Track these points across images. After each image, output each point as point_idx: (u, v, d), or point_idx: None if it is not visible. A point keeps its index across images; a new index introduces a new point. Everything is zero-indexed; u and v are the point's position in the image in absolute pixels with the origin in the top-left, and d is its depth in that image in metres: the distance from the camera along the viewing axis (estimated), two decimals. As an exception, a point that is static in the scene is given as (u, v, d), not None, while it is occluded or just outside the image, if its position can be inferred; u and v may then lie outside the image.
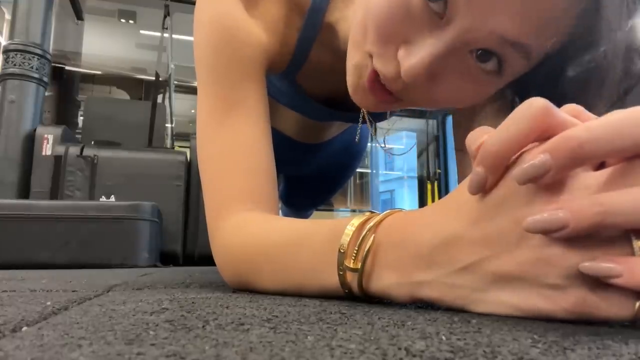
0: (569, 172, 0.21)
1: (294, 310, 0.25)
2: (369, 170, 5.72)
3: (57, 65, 3.53)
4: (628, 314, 0.19)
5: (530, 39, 0.33)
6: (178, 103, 4.13)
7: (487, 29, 0.32)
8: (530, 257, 0.21)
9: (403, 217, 0.28)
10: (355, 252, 0.28)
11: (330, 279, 0.30)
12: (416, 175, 5.33)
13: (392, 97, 0.40)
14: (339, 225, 0.31)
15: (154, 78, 3.29)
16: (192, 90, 4.08)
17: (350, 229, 0.29)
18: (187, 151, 2.30)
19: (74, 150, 2.07)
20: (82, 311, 0.25)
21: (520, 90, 0.42)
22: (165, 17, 3.71)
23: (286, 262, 0.35)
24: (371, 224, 0.29)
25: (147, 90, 4.23)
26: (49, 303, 0.29)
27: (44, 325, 0.20)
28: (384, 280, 0.27)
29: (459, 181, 0.60)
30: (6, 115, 2.10)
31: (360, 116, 0.57)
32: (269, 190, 0.44)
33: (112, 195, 2.02)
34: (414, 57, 0.35)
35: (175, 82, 3.76)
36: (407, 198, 7.41)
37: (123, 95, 4.70)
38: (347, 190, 5.78)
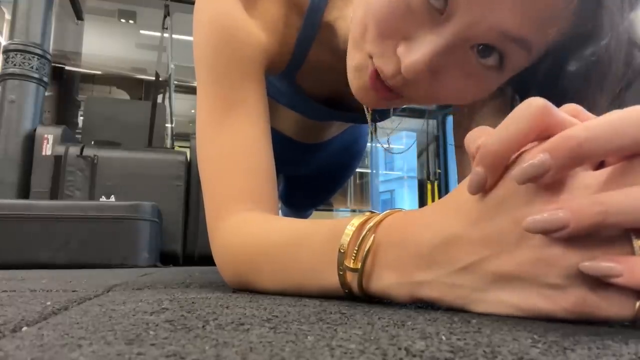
0: (569, 172, 0.21)
1: (294, 310, 0.25)
2: (369, 170, 5.71)
3: (57, 65, 3.53)
4: (628, 313, 0.19)
5: (531, 33, 0.33)
6: (178, 103, 4.13)
7: (487, 24, 0.32)
8: (530, 257, 0.21)
9: (403, 217, 0.28)
10: (355, 252, 0.28)
11: (330, 279, 0.30)
12: (416, 175, 5.33)
13: (392, 94, 0.40)
14: (338, 225, 0.31)
15: (154, 78, 3.29)
16: (192, 90, 4.07)
17: (350, 229, 0.29)
18: (187, 151, 2.30)
19: (74, 150, 2.07)
20: (82, 311, 0.25)
21: (520, 88, 0.42)
22: (165, 17, 3.72)
23: (286, 262, 0.35)
24: (371, 223, 0.29)
25: (147, 90, 4.23)
26: (49, 303, 0.29)
27: (44, 325, 0.20)
28: (384, 280, 0.27)
29: (459, 181, 0.60)
30: (6, 115, 2.10)
31: (367, 113, 0.57)
32: (269, 190, 0.44)
33: (112, 195, 2.02)
34: (415, 53, 0.35)
35: (175, 82, 3.76)
36: (407, 198, 7.41)
37: (123, 95, 4.70)
38: (347, 190, 5.78)
